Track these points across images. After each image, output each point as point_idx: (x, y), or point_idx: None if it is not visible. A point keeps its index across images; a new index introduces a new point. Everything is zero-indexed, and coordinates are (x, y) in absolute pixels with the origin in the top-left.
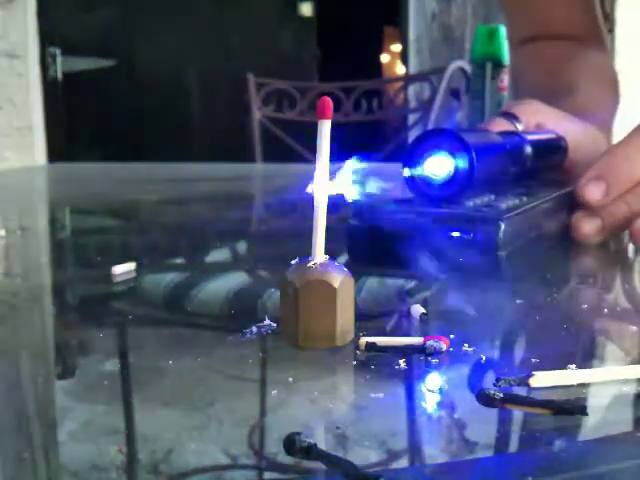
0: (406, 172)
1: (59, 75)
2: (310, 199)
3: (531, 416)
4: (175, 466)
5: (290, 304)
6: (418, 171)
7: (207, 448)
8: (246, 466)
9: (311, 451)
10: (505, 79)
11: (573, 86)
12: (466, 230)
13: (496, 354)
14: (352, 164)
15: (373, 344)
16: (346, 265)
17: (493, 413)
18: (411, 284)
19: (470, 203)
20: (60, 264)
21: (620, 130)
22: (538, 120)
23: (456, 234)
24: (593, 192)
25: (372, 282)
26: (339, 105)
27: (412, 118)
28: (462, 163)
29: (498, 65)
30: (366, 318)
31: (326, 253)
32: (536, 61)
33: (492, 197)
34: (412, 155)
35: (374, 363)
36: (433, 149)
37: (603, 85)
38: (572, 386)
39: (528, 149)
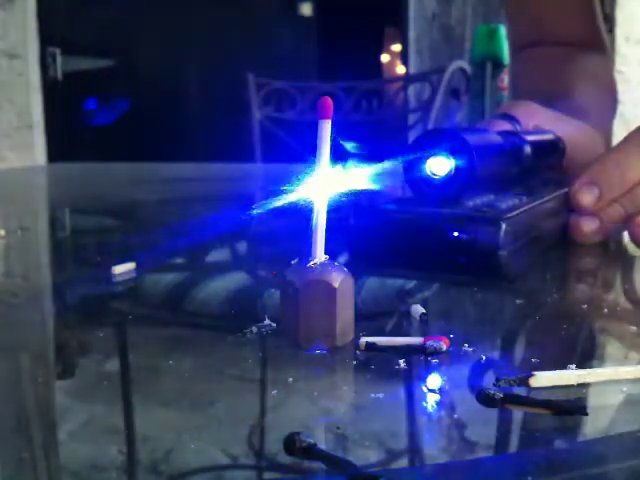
0: (406, 172)
1: (59, 75)
2: (310, 199)
3: (531, 416)
4: (175, 466)
5: (290, 304)
6: (418, 171)
7: (207, 448)
8: (246, 466)
9: (311, 451)
10: (505, 79)
11: (570, 89)
12: (466, 230)
13: (496, 354)
14: (352, 164)
15: (373, 344)
16: (346, 265)
17: (493, 413)
18: (411, 284)
19: (470, 203)
20: (60, 264)
21: (620, 130)
22: (536, 121)
23: (456, 234)
24: (586, 197)
25: (372, 282)
26: (339, 105)
27: (412, 118)
28: (462, 163)
29: (498, 65)
30: (366, 318)
31: (326, 253)
32: (536, 65)
33: (492, 197)
34: (412, 155)
35: (374, 363)
36: (433, 149)
37: (600, 89)
38: (572, 386)
39: (527, 149)
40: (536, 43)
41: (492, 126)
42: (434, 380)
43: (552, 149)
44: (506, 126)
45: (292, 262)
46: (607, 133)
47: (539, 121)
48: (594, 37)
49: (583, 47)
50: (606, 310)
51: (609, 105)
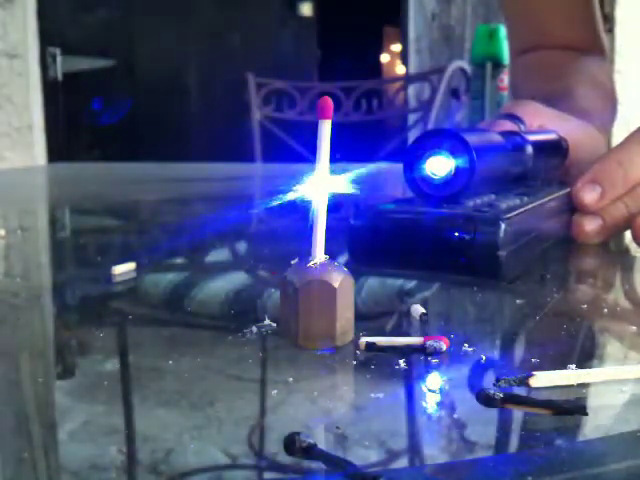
0: (406, 172)
1: (59, 75)
2: (310, 199)
3: (531, 416)
4: (175, 466)
5: (290, 304)
6: (418, 171)
7: (207, 448)
8: (246, 466)
9: (311, 451)
10: (505, 79)
11: (570, 91)
12: (466, 230)
13: (496, 354)
14: (352, 164)
15: (373, 344)
16: (346, 265)
17: (493, 413)
18: (411, 284)
19: (470, 203)
20: (60, 264)
21: (620, 131)
22: (539, 121)
23: (456, 234)
24: (589, 196)
25: (372, 282)
26: (339, 105)
27: (412, 118)
28: (462, 163)
29: (498, 65)
30: (366, 318)
31: (326, 253)
32: (535, 69)
33: (492, 197)
34: (412, 155)
35: (374, 363)
36: (433, 149)
37: (600, 92)
38: (572, 386)
39: (529, 149)
40: (536, 47)
41: (496, 126)
42: (434, 380)
43: (555, 149)
44: (509, 126)
45: (292, 262)
46: (607, 134)
47: (543, 120)
48: (594, 41)
49: (583, 51)
50: (606, 310)
51: (609, 108)
